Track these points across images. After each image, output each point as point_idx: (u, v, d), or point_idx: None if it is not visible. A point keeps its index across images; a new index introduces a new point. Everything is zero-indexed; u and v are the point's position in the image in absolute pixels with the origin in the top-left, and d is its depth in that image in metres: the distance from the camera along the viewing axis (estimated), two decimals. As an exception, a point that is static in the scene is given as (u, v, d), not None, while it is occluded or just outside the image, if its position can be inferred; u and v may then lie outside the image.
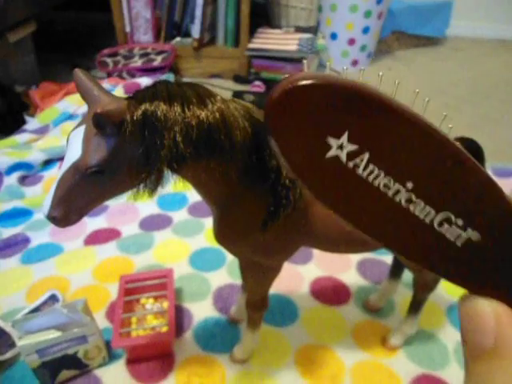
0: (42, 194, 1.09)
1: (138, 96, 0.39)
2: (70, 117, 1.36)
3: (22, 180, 1.12)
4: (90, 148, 0.38)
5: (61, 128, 1.31)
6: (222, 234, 0.52)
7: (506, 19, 2.49)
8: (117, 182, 0.41)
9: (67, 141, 0.41)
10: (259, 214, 0.47)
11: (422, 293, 0.66)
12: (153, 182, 0.40)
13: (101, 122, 0.37)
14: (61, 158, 1.21)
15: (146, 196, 0.41)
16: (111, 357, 0.72)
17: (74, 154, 0.39)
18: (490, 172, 1.23)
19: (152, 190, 0.41)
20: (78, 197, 0.41)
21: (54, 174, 1.16)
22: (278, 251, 0.53)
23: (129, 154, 0.38)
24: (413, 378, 0.69)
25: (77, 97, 1.43)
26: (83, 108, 1.40)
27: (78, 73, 0.40)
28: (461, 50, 2.35)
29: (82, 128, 0.40)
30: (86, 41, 2.18)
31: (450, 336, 0.76)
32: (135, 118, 0.37)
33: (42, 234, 0.98)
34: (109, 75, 1.70)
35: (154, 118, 0.37)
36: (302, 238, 0.51)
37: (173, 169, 0.40)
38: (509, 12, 2.46)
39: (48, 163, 1.20)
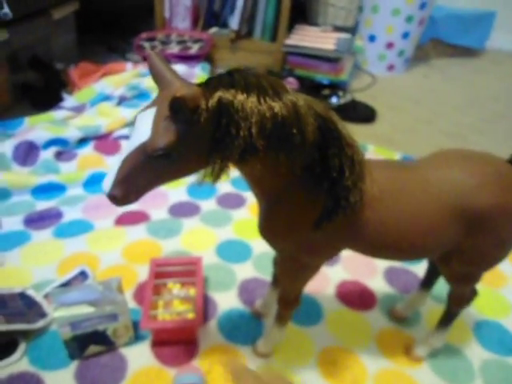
0: (76, 170, 1.11)
1: (212, 83, 0.39)
2: (107, 98, 1.37)
3: (58, 155, 1.14)
4: (159, 130, 0.39)
5: (97, 108, 1.32)
6: (269, 227, 0.53)
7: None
8: (182, 167, 0.41)
9: (134, 121, 0.42)
10: (312, 213, 0.47)
11: (456, 306, 0.65)
12: (218, 170, 0.40)
13: (176, 106, 0.37)
14: (96, 137, 1.23)
15: (208, 182, 0.41)
16: (137, 337, 0.73)
17: (141, 135, 0.40)
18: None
19: (215, 178, 0.41)
20: (140, 178, 0.41)
21: (87, 153, 1.18)
22: (323, 250, 0.53)
23: (199, 141, 0.39)
24: (436, 391, 0.68)
25: (114, 78, 1.45)
26: (120, 90, 1.41)
27: (153, 55, 0.41)
28: (500, 63, 2.30)
29: (153, 110, 0.40)
30: (123, 24, 2.19)
31: (476, 353, 0.75)
32: (210, 105, 0.37)
33: (75, 210, 1.00)
34: (144, 59, 1.72)
35: (230, 107, 0.37)
36: (350, 239, 0.51)
37: (244, 160, 0.40)
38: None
39: (82, 141, 1.22)
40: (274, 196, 0.48)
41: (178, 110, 0.37)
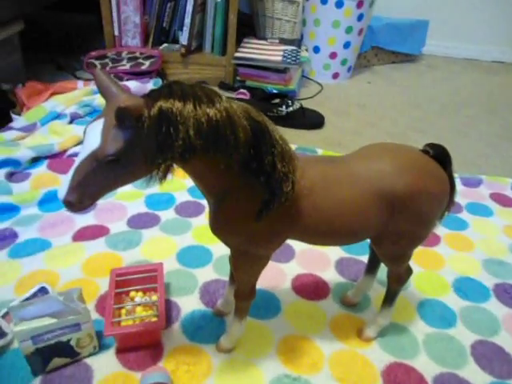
0: (29, 190, 1.10)
1: (153, 94, 0.44)
2: (58, 116, 1.37)
3: (10, 176, 1.13)
4: (108, 138, 0.43)
5: (48, 127, 1.32)
6: (218, 224, 0.57)
7: (475, 40, 2.66)
8: (131, 170, 0.46)
9: (84, 133, 0.45)
10: (254, 206, 0.52)
11: (395, 285, 0.72)
12: (163, 171, 0.45)
13: (122, 116, 0.42)
14: (48, 156, 1.23)
15: (156, 184, 0.46)
16: (101, 347, 0.74)
17: (92, 143, 0.44)
18: (458, 181, 1.32)
19: (161, 179, 0.46)
20: (94, 183, 0.45)
21: (41, 172, 1.17)
22: (269, 240, 0.58)
23: (144, 145, 0.43)
24: (386, 365, 0.75)
25: (65, 97, 1.45)
26: (71, 108, 1.42)
27: (98, 71, 0.45)
28: (435, 67, 2.50)
29: (101, 121, 0.44)
30: (71, 42, 2.18)
31: (420, 329, 0.82)
32: (152, 113, 0.42)
33: (30, 230, 0.99)
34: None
35: (169, 113, 0.42)
36: (291, 228, 0.57)
37: (184, 159, 0.45)
38: (477, 33, 2.63)
39: (35, 161, 1.21)
40: (220, 194, 0.53)
41: (124, 118, 0.42)
